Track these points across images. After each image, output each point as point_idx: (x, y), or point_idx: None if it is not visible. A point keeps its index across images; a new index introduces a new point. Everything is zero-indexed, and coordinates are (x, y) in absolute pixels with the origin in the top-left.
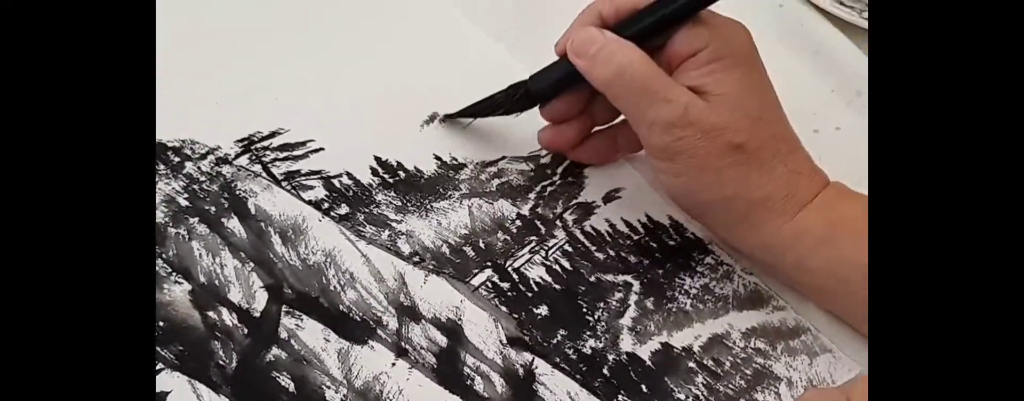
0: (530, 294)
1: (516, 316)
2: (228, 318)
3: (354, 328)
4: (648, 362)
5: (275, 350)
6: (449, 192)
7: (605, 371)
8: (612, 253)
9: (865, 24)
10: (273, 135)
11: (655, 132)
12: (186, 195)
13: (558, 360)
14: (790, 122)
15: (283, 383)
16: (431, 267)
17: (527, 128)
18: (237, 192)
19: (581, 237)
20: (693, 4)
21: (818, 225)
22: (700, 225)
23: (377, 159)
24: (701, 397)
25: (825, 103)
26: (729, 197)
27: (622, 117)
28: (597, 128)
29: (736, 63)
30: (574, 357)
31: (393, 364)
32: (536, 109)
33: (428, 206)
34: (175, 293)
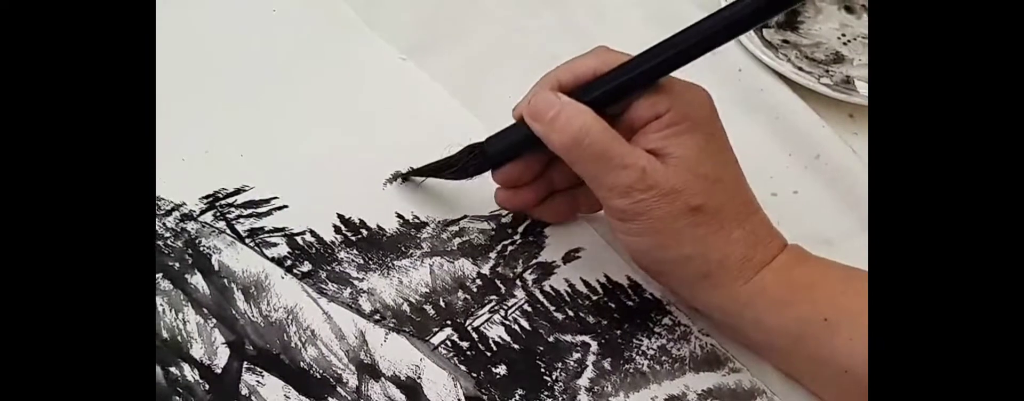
0: (489, 353)
1: (475, 375)
2: (190, 374)
3: (315, 385)
4: None
5: None
6: (411, 250)
7: None
8: (571, 313)
9: (823, 90)
10: (238, 192)
11: (614, 195)
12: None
13: None
14: (749, 184)
15: None
16: (392, 325)
17: (488, 187)
18: (201, 248)
19: (540, 297)
20: (652, 72)
21: (775, 287)
22: (658, 286)
23: (340, 217)
24: None
25: (783, 167)
26: (687, 257)
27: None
28: (555, 190)
29: (696, 127)
30: None
31: None
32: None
33: (390, 264)
34: None
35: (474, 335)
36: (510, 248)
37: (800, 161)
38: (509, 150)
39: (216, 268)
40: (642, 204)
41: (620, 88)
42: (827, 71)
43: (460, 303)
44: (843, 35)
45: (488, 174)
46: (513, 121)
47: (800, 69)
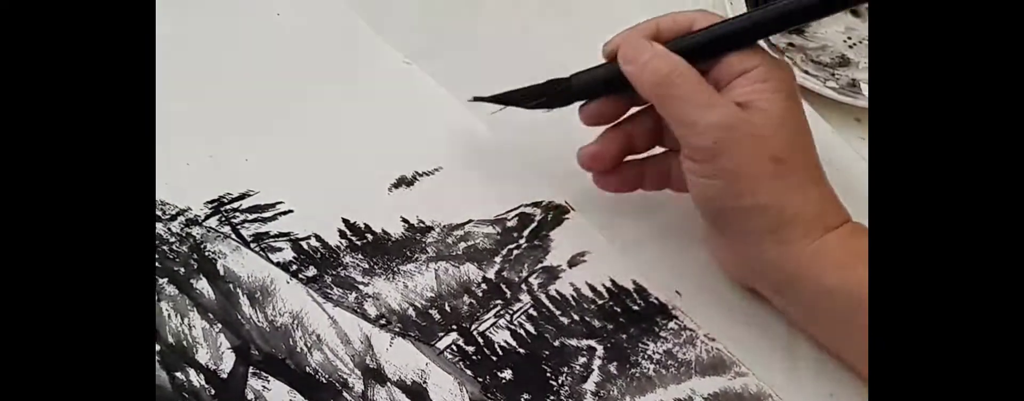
0: (495, 358)
1: (481, 380)
2: (196, 379)
3: (320, 390)
4: None
5: None
6: (416, 255)
7: None
8: (576, 317)
9: (829, 93)
10: (243, 197)
11: (696, 132)
12: (156, 256)
13: None
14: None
15: None
16: (397, 330)
17: (494, 191)
18: (206, 253)
19: (546, 301)
20: (751, 33)
21: (838, 251)
22: (664, 290)
23: (345, 222)
24: None
25: None
26: (763, 206)
27: (655, 151)
28: (628, 158)
29: (783, 87)
30: None
31: None
32: (506, 181)
33: (395, 269)
34: None
35: (480, 340)
36: (515, 252)
37: None
38: (595, 87)
39: (221, 273)
40: (727, 141)
41: (716, 42)
42: (833, 74)
43: (466, 307)
44: (849, 38)
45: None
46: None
47: (806, 72)
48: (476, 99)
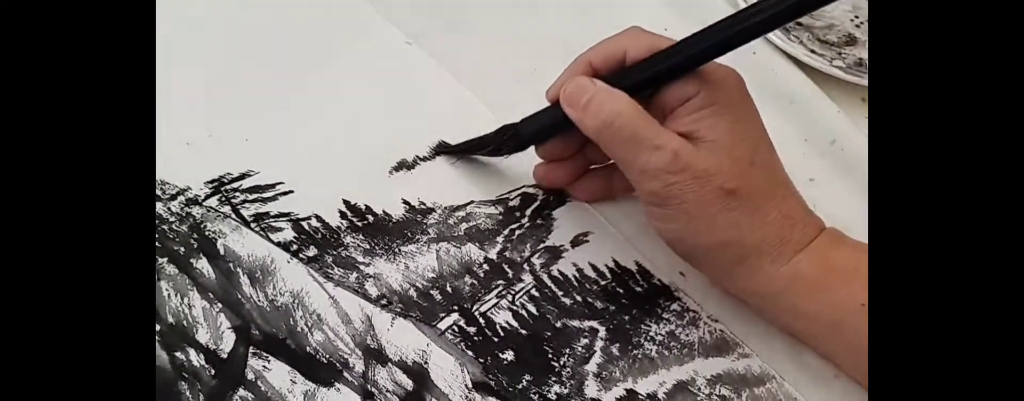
0: (496, 339)
1: (482, 361)
2: (196, 359)
3: (321, 370)
4: None
5: (242, 391)
6: (417, 236)
7: None
8: (579, 298)
9: (836, 73)
10: (243, 177)
11: (646, 178)
12: (156, 235)
13: None
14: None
15: None
16: (398, 310)
17: (495, 171)
18: (206, 233)
19: (548, 282)
20: (687, 63)
21: (812, 270)
22: (667, 271)
23: (346, 202)
24: None
25: (798, 153)
26: (723, 242)
27: None
28: (594, 166)
29: (727, 109)
30: None
31: None
32: (508, 162)
33: (396, 249)
34: None
35: (481, 320)
36: (518, 232)
37: (815, 147)
38: (543, 132)
39: (222, 252)
40: (675, 187)
41: (656, 76)
42: (840, 53)
43: (467, 288)
44: (856, 17)
45: (495, 159)
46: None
47: (812, 51)
48: (437, 152)
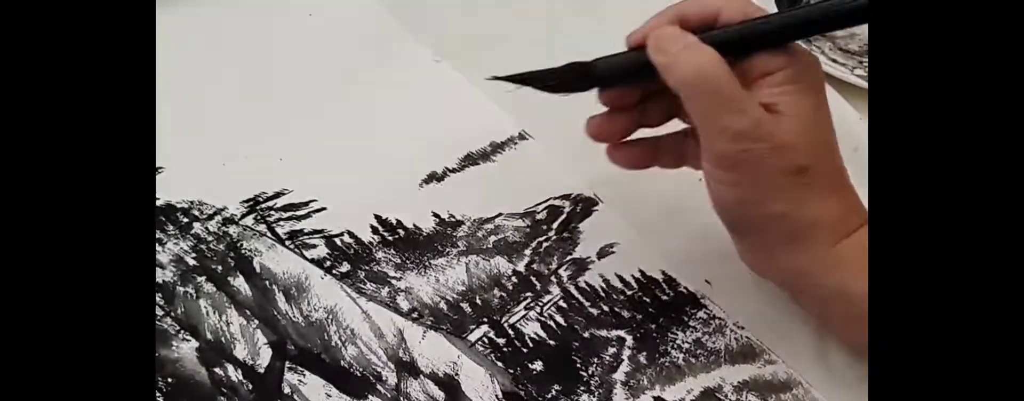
0: (525, 349)
1: (512, 371)
2: (234, 374)
3: (355, 383)
4: None
5: None
6: (447, 249)
7: None
8: (606, 308)
9: (857, 81)
10: (277, 196)
11: (723, 139)
12: (194, 254)
13: None
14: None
15: None
16: (429, 323)
17: (523, 185)
18: (243, 251)
19: (575, 293)
20: (783, 35)
21: (859, 256)
22: (693, 279)
23: (377, 218)
24: None
25: None
26: (782, 215)
27: (670, 126)
28: (640, 134)
29: (811, 89)
30: None
31: None
32: (535, 175)
33: (426, 263)
34: (183, 350)
35: (510, 332)
36: (545, 245)
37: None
38: (618, 75)
39: (258, 270)
40: (750, 154)
41: (750, 41)
42: (861, 62)
43: (496, 300)
44: None
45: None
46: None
47: (834, 61)
48: (494, 78)
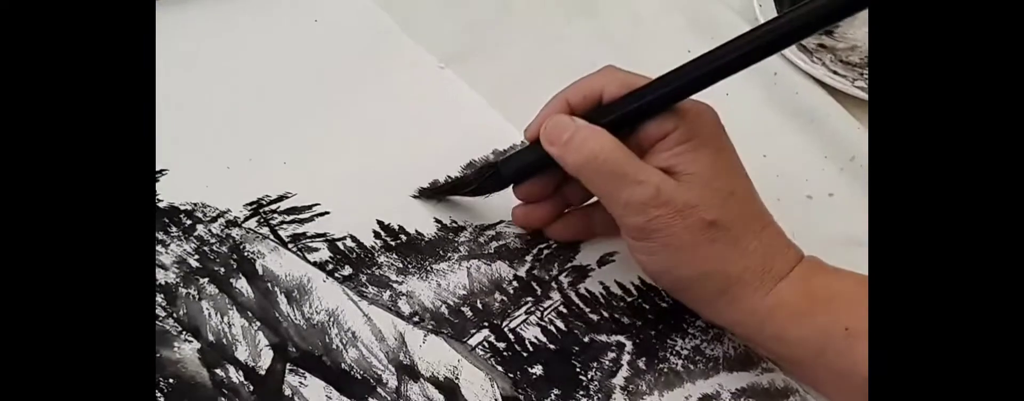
0: (525, 354)
1: (511, 375)
2: (235, 376)
3: (355, 386)
4: None
5: None
6: (449, 254)
7: None
8: (606, 314)
9: (858, 93)
10: (281, 199)
11: (629, 213)
12: (197, 256)
13: None
14: (785, 187)
15: None
16: (430, 327)
17: None
18: (245, 253)
19: (576, 299)
20: (664, 100)
21: (793, 298)
22: None
23: (379, 223)
24: None
25: (818, 169)
26: (706, 273)
27: (595, 198)
28: (569, 209)
29: (705, 143)
30: None
31: None
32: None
33: (428, 268)
34: (185, 351)
35: (511, 336)
36: (545, 252)
37: (836, 163)
38: (523, 170)
39: (260, 272)
40: (658, 221)
41: (634, 113)
42: (862, 74)
43: (497, 305)
44: None
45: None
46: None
47: (834, 73)
48: (419, 194)
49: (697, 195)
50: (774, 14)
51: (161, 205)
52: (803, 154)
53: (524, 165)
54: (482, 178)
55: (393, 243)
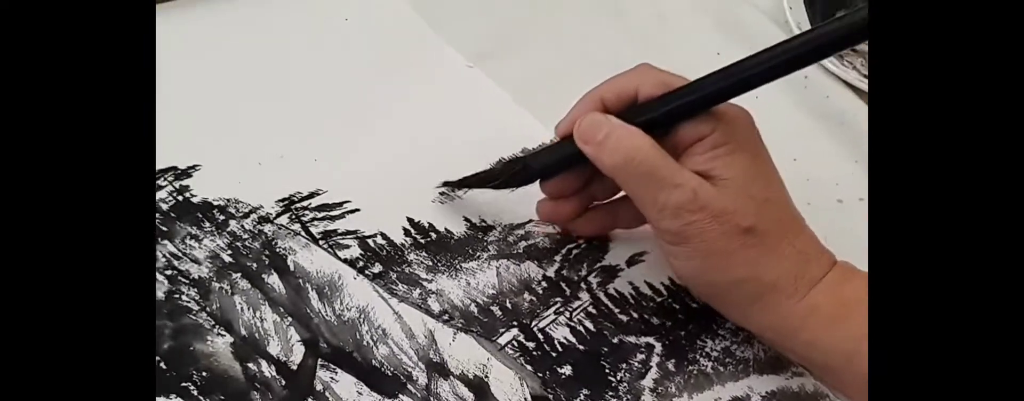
0: (554, 354)
1: (541, 375)
2: (267, 370)
3: (386, 382)
4: None
5: None
6: (478, 253)
7: None
8: (635, 315)
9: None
10: (312, 196)
11: (665, 216)
12: (230, 251)
13: None
14: (816, 191)
15: None
16: (460, 325)
17: None
18: (277, 249)
19: (605, 299)
20: (704, 102)
21: (828, 305)
22: None
23: (410, 220)
24: None
25: (849, 174)
26: (740, 280)
27: (621, 193)
28: (595, 204)
29: (741, 148)
30: None
31: None
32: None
33: (458, 266)
34: (218, 345)
35: (540, 336)
36: (574, 252)
37: (866, 167)
38: (553, 166)
39: (292, 268)
40: (694, 226)
41: (672, 114)
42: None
43: (526, 304)
44: None
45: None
46: None
47: (865, 77)
48: (442, 186)
49: (733, 201)
50: (804, 16)
51: (194, 200)
52: (834, 158)
53: (555, 161)
54: (510, 172)
55: (423, 241)
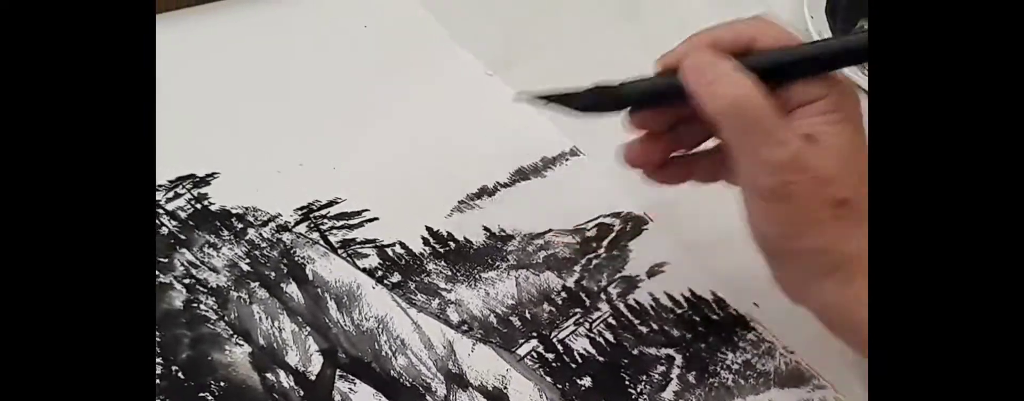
0: (574, 365)
1: (560, 386)
2: (285, 380)
3: (404, 393)
4: None
5: None
6: (497, 263)
7: None
8: (655, 326)
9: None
10: (330, 204)
11: (763, 172)
12: (248, 260)
13: None
14: None
15: None
16: (479, 336)
17: (573, 202)
18: (296, 258)
19: (624, 310)
20: (825, 63)
21: None
22: (743, 301)
23: (429, 230)
24: None
25: None
26: (821, 249)
27: (703, 145)
28: (675, 154)
29: (849, 118)
30: None
31: None
32: (586, 192)
33: (477, 276)
34: (236, 354)
35: (559, 347)
36: (594, 262)
37: None
38: (647, 99)
39: (310, 278)
40: (792, 187)
41: (788, 68)
42: None
43: (545, 315)
44: None
45: (571, 196)
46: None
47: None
48: (520, 94)
49: (835, 168)
50: (825, 25)
51: (213, 208)
52: None
53: (651, 92)
54: (597, 95)
55: (442, 250)
